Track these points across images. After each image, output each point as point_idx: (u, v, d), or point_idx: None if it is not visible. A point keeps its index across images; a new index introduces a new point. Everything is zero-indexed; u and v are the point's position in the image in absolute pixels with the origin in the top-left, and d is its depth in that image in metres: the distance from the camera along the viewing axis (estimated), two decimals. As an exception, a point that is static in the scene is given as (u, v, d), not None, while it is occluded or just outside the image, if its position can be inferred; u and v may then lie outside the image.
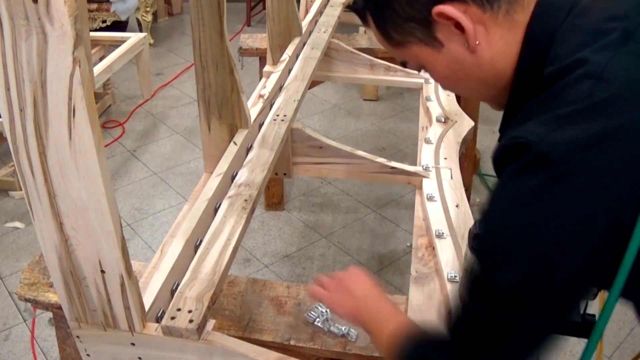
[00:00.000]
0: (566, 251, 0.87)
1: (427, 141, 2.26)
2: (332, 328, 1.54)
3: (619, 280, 0.91)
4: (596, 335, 1.00)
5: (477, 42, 1.01)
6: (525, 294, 0.91)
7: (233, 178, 1.84)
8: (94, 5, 5.10)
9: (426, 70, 1.12)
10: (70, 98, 1.01)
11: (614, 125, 0.84)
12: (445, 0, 0.99)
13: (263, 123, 2.14)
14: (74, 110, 1.02)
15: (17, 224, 3.40)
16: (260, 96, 2.23)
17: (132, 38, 4.44)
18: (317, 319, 1.57)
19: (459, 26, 1.00)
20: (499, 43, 1.02)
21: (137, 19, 5.78)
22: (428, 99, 2.57)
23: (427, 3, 1.01)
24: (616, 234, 0.87)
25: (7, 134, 1.08)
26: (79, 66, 0.98)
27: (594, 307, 1.06)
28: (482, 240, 0.99)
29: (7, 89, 1.03)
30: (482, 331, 0.98)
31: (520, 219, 0.90)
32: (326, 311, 1.58)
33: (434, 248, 1.76)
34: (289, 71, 2.54)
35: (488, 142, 4.03)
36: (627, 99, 0.86)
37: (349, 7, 1.23)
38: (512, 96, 1.06)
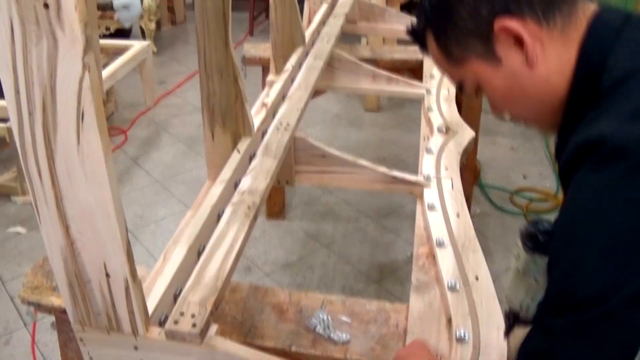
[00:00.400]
0: None
1: (429, 151, 2.27)
2: (332, 335, 1.55)
3: None
4: None
5: (535, 58, 1.04)
6: (615, 295, 0.86)
7: (236, 186, 1.85)
8: (98, 13, 5.12)
9: (482, 89, 1.14)
10: (79, 103, 1.02)
11: None
12: (505, 15, 1.03)
13: (266, 131, 2.16)
14: (82, 115, 1.03)
15: (19, 229, 3.40)
16: (264, 105, 2.25)
17: (136, 46, 4.46)
18: (318, 326, 1.57)
19: (517, 41, 1.04)
20: (554, 59, 1.04)
21: (141, 27, 5.80)
22: (429, 109, 2.59)
23: (489, 16, 1.04)
24: None
25: (16, 138, 1.09)
26: (89, 71, 0.99)
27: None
28: (561, 244, 0.96)
29: (17, 93, 1.04)
30: (569, 349, 0.90)
31: (602, 214, 0.88)
32: (327, 318, 1.59)
33: (434, 257, 1.77)
34: (292, 80, 2.55)
35: (489, 152, 4.04)
36: None
37: (408, 32, 1.27)
38: (567, 114, 1.07)
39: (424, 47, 1.20)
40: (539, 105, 1.10)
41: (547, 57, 1.04)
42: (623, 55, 0.99)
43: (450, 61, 1.14)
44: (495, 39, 1.06)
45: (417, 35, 1.20)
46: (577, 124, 0.99)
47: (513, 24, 1.03)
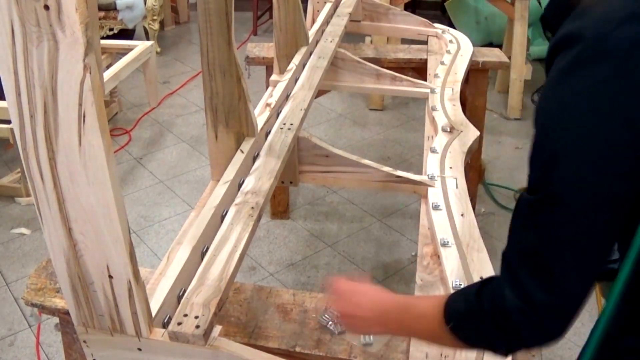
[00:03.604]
0: (625, 149, 0.87)
1: (433, 150, 2.27)
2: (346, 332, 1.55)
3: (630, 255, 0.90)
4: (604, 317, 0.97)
5: None
6: (579, 195, 0.90)
7: (240, 186, 1.85)
8: (102, 13, 5.13)
9: None
10: (80, 104, 1.02)
11: None
12: None
13: (270, 131, 2.15)
14: (84, 116, 1.03)
15: (23, 230, 3.41)
16: (267, 105, 2.25)
17: (139, 46, 4.45)
18: (330, 322, 1.57)
19: None
20: None
21: (144, 27, 5.81)
22: (434, 108, 2.58)
23: None
24: None
25: (17, 140, 1.09)
26: (90, 73, 0.99)
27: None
28: (538, 136, 0.96)
29: (18, 95, 1.04)
30: (533, 250, 0.96)
31: (580, 113, 0.89)
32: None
33: (439, 257, 1.76)
34: (296, 80, 2.55)
35: (493, 152, 4.03)
36: None
37: None
38: None
39: None
40: None
41: None
42: None
43: None
44: None
45: None
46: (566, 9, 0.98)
47: None
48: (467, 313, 1.05)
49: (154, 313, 1.34)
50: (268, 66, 3.21)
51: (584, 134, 0.88)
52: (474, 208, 1.98)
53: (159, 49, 5.80)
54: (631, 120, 0.85)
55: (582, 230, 0.92)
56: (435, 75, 2.91)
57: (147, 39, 5.69)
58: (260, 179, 1.88)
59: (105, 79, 3.95)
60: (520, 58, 4.57)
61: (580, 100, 0.88)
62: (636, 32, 0.86)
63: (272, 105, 2.23)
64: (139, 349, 1.35)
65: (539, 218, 0.94)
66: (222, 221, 1.71)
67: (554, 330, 0.97)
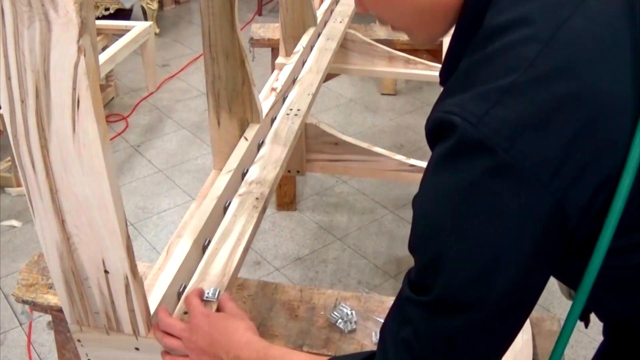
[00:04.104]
0: (510, 248, 0.81)
1: (449, 138, 2.26)
2: (357, 331, 1.55)
3: (585, 283, 0.85)
4: (561, 344, 0.92)
5: None
6: (469, 298, 0.83)
7: (244, 175, 1.85)
8: (97, -8, 5.14)
9: None
10: (74, 88, 1.02)
11: (560, 96, 0.78)
12: None
13: (275, 118, 2.15)
14: (78, 101, 1.03)
15: (14, 222, 3.41)
16: (273, 89, 2.24)
17: (137, 27, 4.45)
18: (340, 320, 1.57)
19: None
20: None
21: (142, 7, 5.80)
22: (450, 93, 2.57)
23: None
24: (561, 221, 0.80)
25: (8, 126, 1.09)
26: (84, 55, 0.99)
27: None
28: (416, 236, 0.90)
29: (8, 78, 1.04)
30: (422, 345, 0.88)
31: (457, 216, 0.82)
32: (351, 313, 1.58)
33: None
34: (303, 63, 2.54)
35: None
36: (574, 69, 0.79)
37: None
38: (458, 30, 0.95)
39: None
40: (417, 13, 0.97)
41: None
42: None
43: None
44: None
45: None
46: (458, 56, 0.91)
47: None
48: None
49: (152, 310, 1.34)
50: (274, 48, 3.20)
51: (464, 238, 0.82)
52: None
53: (157, 30, 5.79)
54: (513, 220, 0.80)
55: (460, 339, 0.86)
56: (452, 58, 2.90)
57: (145, 19, 5.68)
58: (265, 168, 1.88)
59: (100, 62, 3.94)
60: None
61: (458, 198, 0.82)
62: (510, 113, 0.78)
63: (277, 90, 2.23)
64: (137, 349, 1.35)
65: (417, 316, 0.88)
66: (224, 213, 1.71)
67: None
